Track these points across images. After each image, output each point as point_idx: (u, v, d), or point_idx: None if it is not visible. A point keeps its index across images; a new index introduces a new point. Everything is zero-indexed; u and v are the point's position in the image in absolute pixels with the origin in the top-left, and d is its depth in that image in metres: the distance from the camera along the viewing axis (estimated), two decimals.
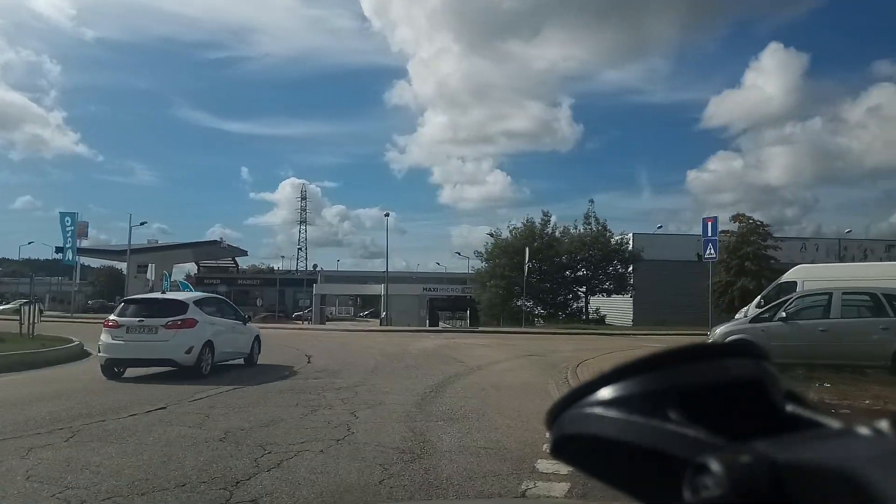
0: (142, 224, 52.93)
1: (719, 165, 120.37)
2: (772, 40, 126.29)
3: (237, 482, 5.34)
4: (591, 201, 55.57)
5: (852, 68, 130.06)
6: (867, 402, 9.58)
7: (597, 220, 43.54)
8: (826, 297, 14.31)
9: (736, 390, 0.54)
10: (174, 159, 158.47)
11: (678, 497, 0.47)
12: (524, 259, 38.67)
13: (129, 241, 49.29)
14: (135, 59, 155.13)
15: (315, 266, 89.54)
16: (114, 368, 12.36)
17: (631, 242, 45.79)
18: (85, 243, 55.59)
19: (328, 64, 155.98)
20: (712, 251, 21.20)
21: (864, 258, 49.34)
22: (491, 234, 45.29)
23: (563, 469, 5.29)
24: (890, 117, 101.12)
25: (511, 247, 42.03)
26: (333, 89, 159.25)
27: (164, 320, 12.52)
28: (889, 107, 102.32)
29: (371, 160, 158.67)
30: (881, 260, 41.41)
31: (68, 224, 47.68)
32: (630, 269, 43.04)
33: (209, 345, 12.98)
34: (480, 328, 36.15)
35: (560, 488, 5.21)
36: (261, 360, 15.60)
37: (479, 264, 46.70)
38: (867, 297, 14.29)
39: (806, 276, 20.20)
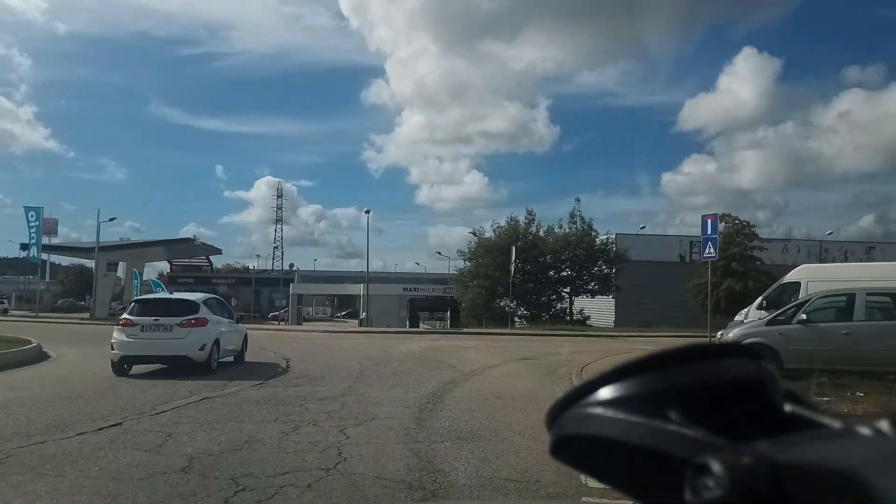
0: (111, 220, 50.64)
1: (693, 168, 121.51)
2: (745, 45, 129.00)
3: None
4: (578, 200, 54.54)
5: (823, 74, 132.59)
6: None
7: (582, 219, 42.59)
8: (843, 298, 13.37)
9: (736, 390, 0.54)
10: (148, 156, 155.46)
11: (679, 497, 0.47)
12: (509, 258, 37.60)
13: (98, 237, 47.33)
14: (108, 55, 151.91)
15: (291, 265, 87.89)
16: (124, 366, 12.68)
17: (614, 243, 44.94)
18: (56, 241, 53.59)
19: (305, 62, 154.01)
20: (712, 250, 20.19)
21: (845, 259, 49.14)
22: (474, 233, 44.22)
23: None
24: (859, 122, 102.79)
25: (495, 246, 40.95)
26: (310, 87, 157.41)
27: (178, 319, 12.98)
28: (859, 112, 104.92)
29: (348, 159, 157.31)
30: (861, 262, 41.02)
31: (33, 219, 45.67)
32: (615, 269, 42.08)
33: (217, 343, 13.51)
34: (465, 329, 34.94)
35: None
36: (234, 365, 14.59)
37: (460, 264, 45.60)
38: (888, 299, 13.38)
39: (809, 276, 19.34)
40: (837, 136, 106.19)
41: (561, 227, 42.80)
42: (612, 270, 41.90)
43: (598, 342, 25.25)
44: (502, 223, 42.85)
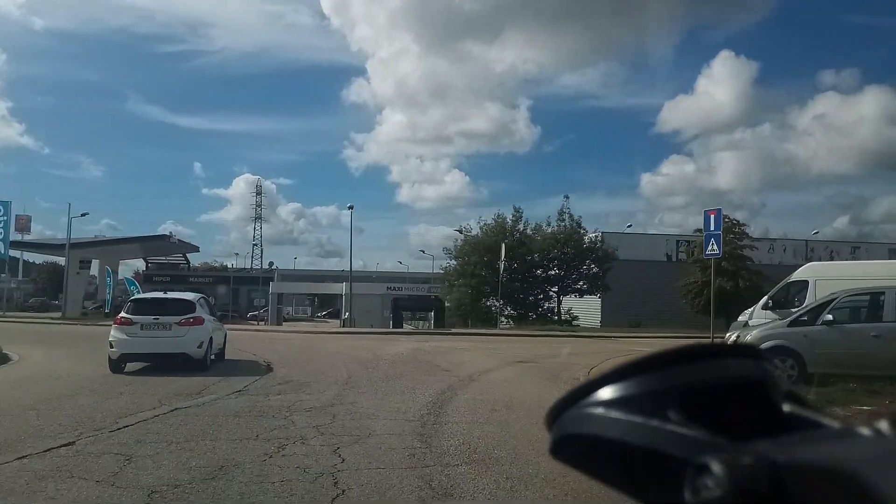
0: (83, 215, 48.96)
1: (672, 169, 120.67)
2: (723, 48, 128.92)
3: None
4: (567, 197, 52.92)
5: (799, 78, 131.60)
6: None
7: (571, 216, 41.60)
8: (870, 296, 12.48)
9: (736, 390, 0.54)
10: (124, 154, 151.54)
11: (679, 497, 0.47)
12: (496, 257, 36.55)
13: (69, 233, 45.41)
14: (85, 51, 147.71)
15: (271, 263, 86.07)
16: (121, 364, 12.90)
17: (601, 241, 44.05)
18: (29, 239, 51.66)
19: (285, 60, 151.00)
20: (715, 247, 19.29)
21: (831, 259, 48.83)
22: (460, 231, 43.10)
23: None
24: (834, 125, 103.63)
25: (482, 244, 39.87)
26: (290, 86, 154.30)
27: (177, 318, 13.34)
28: (834, 115, 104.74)
29: (328, 158, 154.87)
30: (846, 261, 40.58)
31: (0, 213, 43.84)
32: (604, 268, 41.11)
33: (210, 340, 13.88)
34: (453, 330, 33.80)
35: None
36: (213, 367, 13.55)
37: (444, 263, 44.45)
38: None
39: (817, 274, 18.48)
40: (813, 138, 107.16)
41: (549, 224, 41.85)
42: (601, 269, 40.94)
43: (593, 343, 24.28)
44: (489, 220, 41.82)
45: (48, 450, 6.22)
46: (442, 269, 45.94)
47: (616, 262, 41.75)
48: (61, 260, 54.63)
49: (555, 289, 41.77)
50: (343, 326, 42.01)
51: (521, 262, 39.78)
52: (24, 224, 49.09)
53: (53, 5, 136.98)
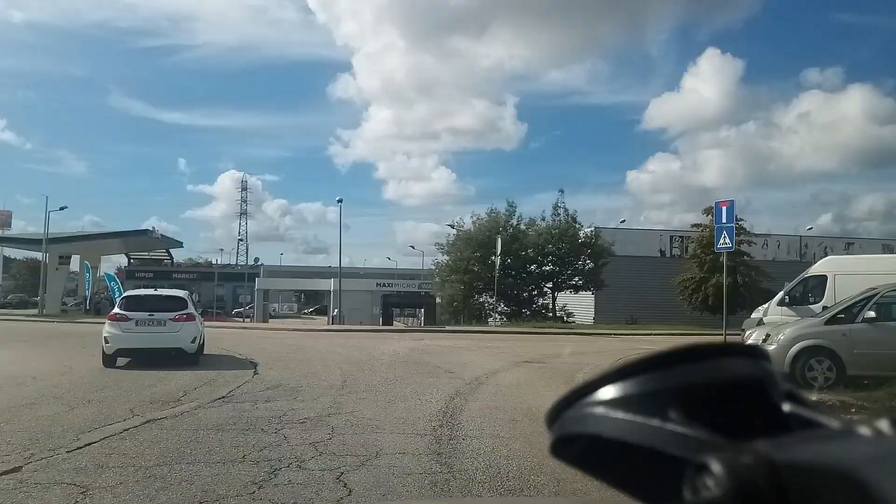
0: (62, 209, 47.25)
1: (658, 166, 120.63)
2: (709, 46, 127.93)
3: None
4: (562, 191, 51.28)
5: (784, 75, 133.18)
6: None
7: (566, 210, 40.53)
8: None
9: (736, 390, 0.54)
10: (108, 149, 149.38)
11: (678, 497, 0.47)
12: (490, 252, 35.51)
13: (46, 227, 43.87)
14: (67, 45, 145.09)
15: (256, 259, 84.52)
16: (116, 358, 13.29)
17: (596, 236, 43.06)
18: (7, 234, 50.08)
19: (270, 55, 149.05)
20: (727, 240, 18.25)
21: (825, 255, 48.20)
22: (452, 226, 41.94)
23: None
24: (818, 123, 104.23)
25: (475, 239, 38.77)
26: (275, 81, 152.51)
27: (171, 314, 13.80)
28: (818, 113, 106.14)
29: (314, 154, 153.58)
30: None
31: None
32: (600, 263, 40.09)
33: (202, 336, 14.51)
34: (447, 328, 32.65)
35: None
36: (193, 373, 12.34)
37: (435, 259, 43.28)
38: None
39: (837, 268, 17.56)
40: (797, 136, 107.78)
41: (544, 219, 40.78)
42: (597, 265, 39.91)
43: (595, 341, 23.25)
44: (483, 215, 40.70)
45: None
46: (433, 265, 44.78)
47: (610, 258, 40.85)
48: (40, 255, 53.05)
49: (549, 285, 40.75)
50: (332, 323, 40.82)
51: (514, 257, 38.72)
52: (4, 220, 47.73)
53: None
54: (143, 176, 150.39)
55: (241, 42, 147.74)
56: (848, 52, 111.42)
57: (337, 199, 43.35)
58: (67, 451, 6.01)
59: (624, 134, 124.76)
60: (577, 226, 40.57)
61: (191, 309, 14.34)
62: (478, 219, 40.41)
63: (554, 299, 40.87)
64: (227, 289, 62.53)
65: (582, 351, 17.88)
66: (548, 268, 40.17)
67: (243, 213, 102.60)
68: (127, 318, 13.65)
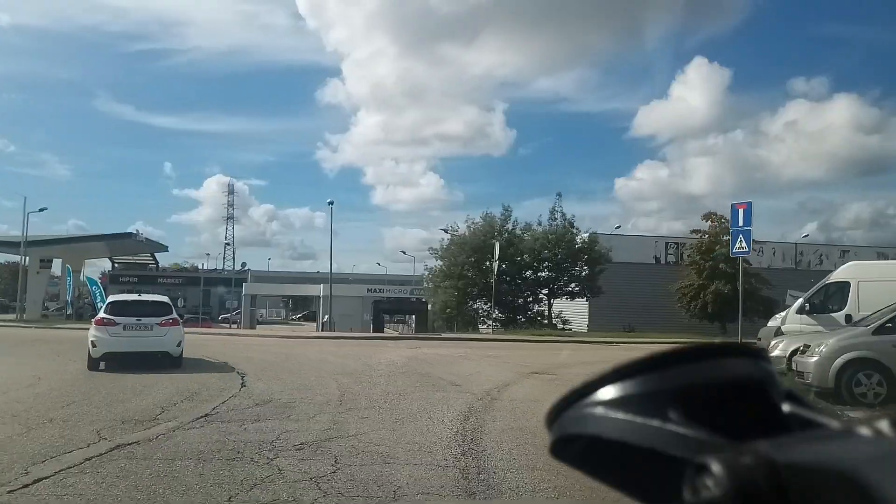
0: (41, 210, 45.78)
1: (646, 174, 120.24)
2: (697, 55, 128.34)
3: None
4: (559, 195, 50.00)
5: (771, 84, 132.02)
6: None
7: (563, 215, 39.51)
8: None
9: (736, 390, 0.54)
10: (94, 153, 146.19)
11: (678, 498, 0.47)
12: (484, 257, 34.37)
13: (24, 229, 42.34)
14: (55, 48, 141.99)
15: (243, 265, 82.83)
16: (101, 362, 13.38)
17: (590, 242, 42.06)
18: None
19: (259, 60, 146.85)
20: (744, 244, 17.33)
21: (820, 263, 47.66)
22: (446, 230, 40.81)
23: None
24: (805, 132, 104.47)
25: (469, 244, 37.67)
26: (264, 86, 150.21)
27: (158, 319, 14.06)
28: (804, 122, 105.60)
29: (301, 159, 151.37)
30: (835, 266, 39.23)
31: None
32: (596, 270, 39.07)
33: (184, 340, 14.65)
34: (442, 335, 31.46)
35: None
36: (173, 385, 11.14)
37: (427, 264, 42.13)
38: None
39: (860, 275, 16.56)
40: (784, 144, 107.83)
41: (540, 224, 39.75)
42: (593, 271, 38.90)
43: (598, 350, 22.15)
44: (478, 220, 39.60)
45: None
46: (425, 271, 43.64)
47: (607, 264, 39.91)
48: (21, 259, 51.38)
49: (545, 291, 39.71)
50: (322, 330, 39.59)
51: (510, 263, 37.65)
52: None
53: (22, 1, 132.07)
54: (128, 180, 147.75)
55: (231, 47, 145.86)
56: (834, 62, 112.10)
57: (328, 201, 42.01)
58: (9, 492, 4.86)
59: (612, 141, 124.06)
60: (574, 231, 39.59)
61: (175, 314, 14.74)
62: (473, 223, 39.37)
63: (549, 306, 39.82)
64: (214, 294, 61.09)
65: (587, 360, 16.80)
66: (544, 274, 39.14)
67: (230, 218, 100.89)
68: (115, 323, 13.81)
